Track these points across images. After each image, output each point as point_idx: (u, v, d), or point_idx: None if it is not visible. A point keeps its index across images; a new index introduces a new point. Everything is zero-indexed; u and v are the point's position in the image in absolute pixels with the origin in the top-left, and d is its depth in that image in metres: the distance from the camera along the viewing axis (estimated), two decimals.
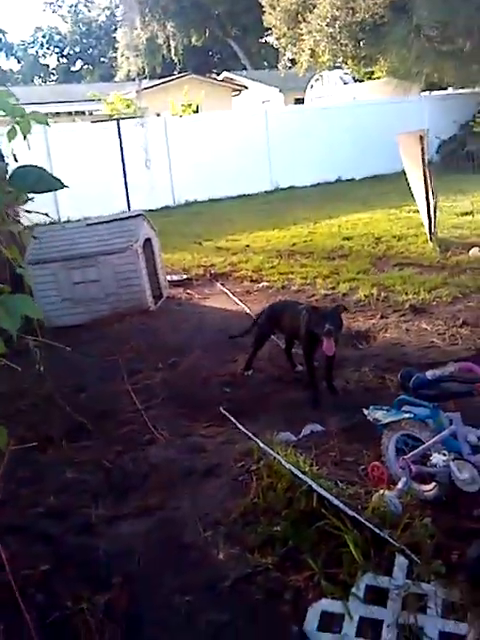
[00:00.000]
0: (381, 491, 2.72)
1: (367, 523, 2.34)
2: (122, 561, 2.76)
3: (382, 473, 2.96)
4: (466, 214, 10.24)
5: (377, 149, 16.71)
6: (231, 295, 6.92)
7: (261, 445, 2.80)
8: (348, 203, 13.11)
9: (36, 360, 4.19)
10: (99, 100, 18.27)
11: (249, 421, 4.09)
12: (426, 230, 8.27)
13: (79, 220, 13.63)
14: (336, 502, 2.29)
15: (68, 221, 14.20)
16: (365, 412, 3.08)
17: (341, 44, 17.52)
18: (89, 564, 2.75)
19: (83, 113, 26.62)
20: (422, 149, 7.34)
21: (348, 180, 17.56)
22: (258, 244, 9.84)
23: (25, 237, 6.91)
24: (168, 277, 7.62)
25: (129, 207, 14.26)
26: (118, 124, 12.80)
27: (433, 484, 2.76)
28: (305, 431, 3.64)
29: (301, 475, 2.44)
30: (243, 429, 2.91)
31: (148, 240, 6.54)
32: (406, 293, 6.20)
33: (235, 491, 3.15)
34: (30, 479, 3.49)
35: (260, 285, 7.24)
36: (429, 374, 2.42)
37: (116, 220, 6.49)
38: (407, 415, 2.87)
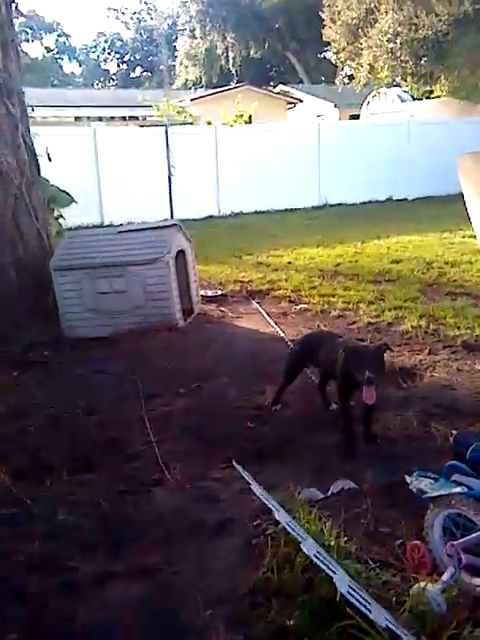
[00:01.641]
0: (422, 583, 2.21)
1: (401, 635, 1.84)
2: (103, 638, 2.31)
3: (423, 556, 2.44)
4: None
5: (433, 169, 16.11)
6: (266, 316, 6.45)
7: (274, 509, 2.31)
8: (398, 224, 12.54)
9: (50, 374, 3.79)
10: (150, 106, 18.10)
11: (271, 467, 3.62)
12: None
13: (121, 225, 13.47)
14: (360, 606, 1.80)
15: (111, 225, 14.02)
16: (407, 479, 2.57)
17: (401, 61, 17.02)
18: (65, 639, 2.31)
19: (137, 118, 26.63)
20: None
21: (400, 200, 16.96)
22: (300, 262, 9.36)
23: (54, 243, 6.64)
24: (202, 292, 7.21)
25: (172, 214, 13.97)
26: (166, 130, 12.54)
27: None
28: (334, 488, 3.13)
29: (316, 560, 1.94)
30: (255, 489, 2.42)
31: (181, 252, 6.14)
32: (458, 327, 5.63)
33: (246, 558, 2.67)
34: (17, 518, 3.09)
35: (298, 307, 6.75)
36: None
37: (149, 229, 6.11)
38: (459, 489, 2.35)
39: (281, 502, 2.83)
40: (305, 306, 6.76)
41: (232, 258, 9.91)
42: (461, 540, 2.25)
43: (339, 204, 16.63)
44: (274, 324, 6.17)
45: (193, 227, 13.41)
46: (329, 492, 3.12)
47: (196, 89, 37.09)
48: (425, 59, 16.80)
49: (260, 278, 8.26)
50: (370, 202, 16.75)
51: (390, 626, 1.82)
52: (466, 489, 2.35)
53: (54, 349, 5.71)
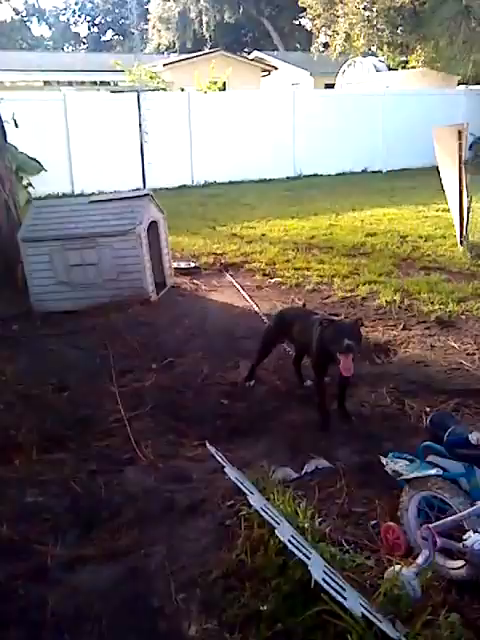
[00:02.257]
0: (396, 567, 2.19)
1: (376, 622, 1.82)
2: (75, 625, 2.26)
3: (398, 538, 2.43)
4: None
5: (408, 142, 16.02)
6: (241, 289, 6.38)
7: (247, 493, 2.26)
8: (373, 196, 12.48)
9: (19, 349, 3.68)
10: (122, 70, 17.60)
11: (245, 444, 3.59)
12: (457, 232, 7.66)
13: (92, 194, 13.17)
14: (335, 594, 1.77)
15: (82, 194, 13.71)
16: (382, 460, 2.54)
17: (377, 29, 16.77)
18: (35, 627, 2.25)
19: (108, 83, 25.95)
20: (460, 145, 6.71)
21: (375, 172, 16.86)
22: (275, 234, 9.26)
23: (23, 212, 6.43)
24: (175, 264, 7.09)
25: (144, 183, 13.77)
26: (138, 96, 12.27)
27: (463, 562, 2.23)
28: (308, 467, 3.11)
29: (291, 546, 1.91)
30: (228, 471, 2.38)
31: (154, 223, 6.00)
32: (432, 302, 5.62)
33: (219, 540, 2.64)
34: None
35: (272, 280, 6.68)
36: (474, 437, 1.89)
37: (120, 199, 5.95)
38: (435, 471, 2.33)
39: (255, 482, 2.80)
40: (279, 279, 6.69)
41: (206, 229, 9.76)
42: (436, 523, 2.24)
43: (314, 175, 16.44)
44: (248, 298, 6.10)
45: (166, 196, 13.15)
46: (303, 471, 3.10)
47: (169, 54, 36.21)
48: (401, 28, 16.56)
49: (234, 250, 8.14)
50: (345, 173, 16.62)
51: (365, 613, 1.79)
52: (441, 471, 2.33)
53: (24, 323, 5.57)
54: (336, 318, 3.99)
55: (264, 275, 6.96)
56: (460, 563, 2.23)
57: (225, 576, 2.39)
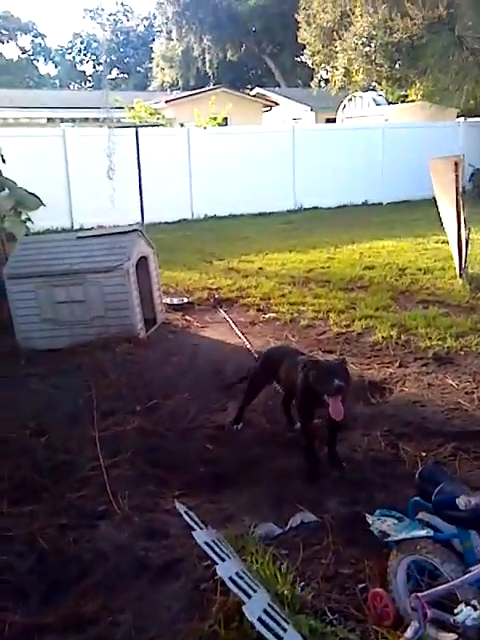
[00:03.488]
0: None
1: None
2: None
3: (386, 606, 2.20)
4: None
5: (407, 174, 15.97)
6: (233, 325, 6.20)
7: (216, 562, 2.05)
8: (373, 228, 12.37)
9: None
10: (121, 107, 17.73)
11: (230, 494, 3.37)
12: (456, 264, 7.49)
13: (91, 228, 13.12)
14: None
15: (81, 228, 13.68)
16: (368, 520, 2.32)
17: (376, 64, 16.87)
18: None
19: (111, 120, 26.19)
20: (456, 176, 6.59)
21: (375, 204, 16.79)
22: (272, 267, 9.12)
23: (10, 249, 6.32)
24: (168, 300, 6.94)
25: (143, 218, 13.67)
26: (137, 132, 12.26)
27: (456, 635, 2.00)
28: (293, 521, 2.89)
29: (259, 627, 1.69)
30: (197, 537, 2.16)
31: (143, 258, 5.86)
32: (430, 338, 5.42)
33: (192, 605, 2.41)
34: None
35: (267, 316, 6.51)
36: (462, 502, 1.69)
37: (109, 235, 5.82)
38: (424, 533, 2.11)
39: (234, 541, 2.59)
40: (274, 315, 6.52)
41: (202, 263, 9.63)
42: (426, 592, 2.01)
43: (314, 208, 16.40)
44: (241, 334, 5.92)
45: (165, 230, 13.15)
46: (288, 526, 2.87)
47: (172, 91, 36.74)
48: (399, 63, 16.66)
49: (229, 285, 7.99)
50: (345, 206, 16.56)
51: None
52: (432, 532, 2.11)
53: (7, 362, 5.39)
54: (321, 358, 3.79)
55: (258, 310, 6.80)
56: (454, 636, 2.00)
57: None
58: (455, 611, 1.88)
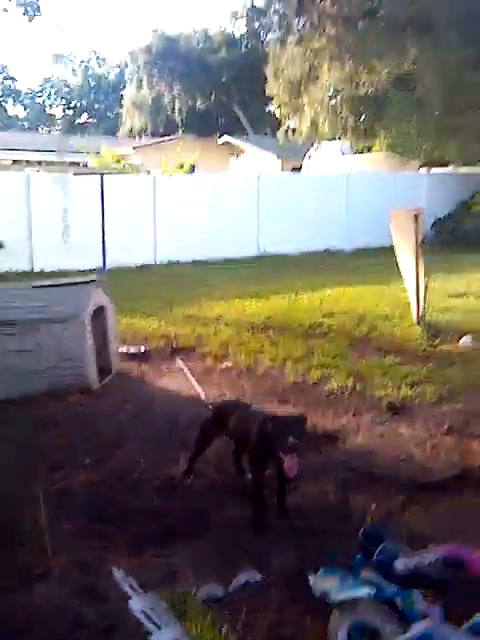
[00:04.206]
0: None
1: None
2: None
3: None
4: (459, 296, 9.65)
5: (370, 222, 16.34)
6: (189, 375, 6.15)
7: (152, 629, 1.97)
8: (334, 275, 12.55)
9: None
10: (87, 153, 17.93)
11: (177, 549, 3.28)
12: (414, 312, 7.62)
13: (52, 272, 13.06)
14: None
15: (42, 272, 13.62)
16: (310, 580, 2.28)
17: (342, 117, 17.38)
18: None
19: (78, 164, 26.43)
20: (416, 228, 6.75)
21: (337, 251, 17.10)
22: (232, 315, 9.13)
23: None
24: (124, 348, 6.88)
25: (105, 262, 13.72)
26: (102, 179, 12.35)
27: None
28: (237, 581, 2.81)
29: None
30: (133, 605, 2.09)
31: (100, 308, 5.82)
32: (385, 387, 5.46)
33: None
34: None
35: (223, 365, 6.48)
36: (400, 564, 1.66)
37: (65, 285, 5.79)
38: (365, 592, 2.07)
39: (176, 605, 2.51)
40: (230, 364, 6.49)
41: (162, 310, 9.57)
42: None
43: (278, 255, 16.62)
44: (196, 384, 5.87)
45: (127, 275, 13.16)
46: (231, 587, 2.80)
47: (141, 137, 37.27)
48: (365, 115, 17.21)
49: (188, 332, 7.95)
50: (308, 253, 16.80)
51: None
52: (373, 591, 2.07)
53: None
54: (279, 413, 3.77)
55: (215, 359, 6.76)
56: None
57: None
58: None
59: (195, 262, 15.41)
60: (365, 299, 9.88)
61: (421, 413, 4.91)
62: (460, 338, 6.79)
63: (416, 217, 6.86)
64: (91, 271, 11.07)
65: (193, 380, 5.95)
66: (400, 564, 1.73)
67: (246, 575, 2.84)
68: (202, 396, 5.51)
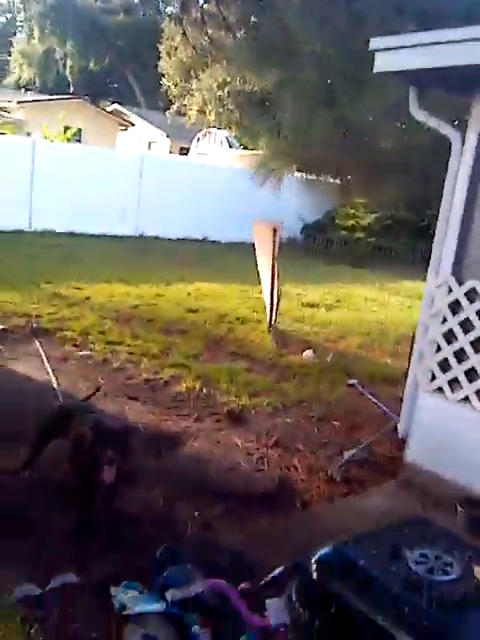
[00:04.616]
0: None
1: None
2: None
3: None
4: (312, 306, 10.29)
5: (245, 218, 16.76)
6: (45, 361, 6.19)
7: None
8: (206, 268, 12.86)
9: None
10: None
11: (4, 548, 3.41)
12: (267, 319, 8.09)
13: None
14: None
15: None
16: (112, 592, 2.54)
17: (228, 109, 17.59)
18: None
19: None
20: (274, 242, 7.17)
21: (213, 241, 17.47)
22: (100, 298, 9.18)
23: None
24: None
25: None
26: None
27: None
28: (55, 582, 3.01)
29: None
30: None
31: None
32: (229, 393, 5.83)
33: None
34: None
35: (81, 353, 6.58)
36: (170, 594, 1.94)
37: None
38: (157, 607, 2.36)
39: None
40: (88, 353, 6.61)
41: (29, 285, 9.40)
42: None
43: (156, 237, 16.69)
44: (51, 372, 5.93)
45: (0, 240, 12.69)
46: (48, 588, 2.99)
47: (27, 91, 35.44)
48: (249, 113, 17.52)
49: (52, 313, 7.94)
50: (186, 240, 17.03)
51: None
52: (164, 607, 2.36)
53: None
54: (108, 422, 3.96)
55: (74, 345, 6.84)
56: None
57: None
58: None
59: (71, 234, 15.12)
60: (229, 298, 10.27)
61: (256, 424, 5.32)
62: (304, 351, 7.33)
63: (274, 231, 7.28)
64: None
65: (48, 367, 6.00)
66: (170, 594, 2.00)
67: (63, 577, 3.04)
68: (55, 385, 5.58)
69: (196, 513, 3.84)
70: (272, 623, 1.88)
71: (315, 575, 1.61)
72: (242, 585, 2.02)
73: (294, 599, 1.62)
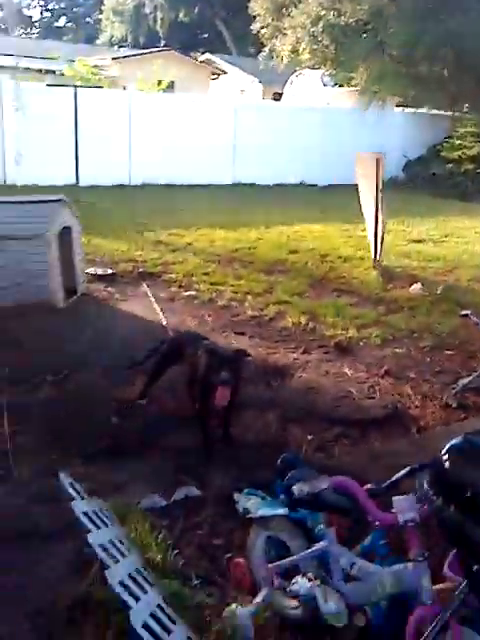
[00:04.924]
0: (233, 606, 2.26)
1: None
2: None
3: (244, 574, 2.50)
4: (418, 242, 9.94)
5: (345, 158, 16.29)
6: (153, 301, 6.37)
7: (90, 529, 2.27)
8: (304, 211, 12.68)
9: None
10: (64, 61, 17.31)
11: (126, 466, 3.60)
12: (372, 255, 7.89)
13: (24, 186, 12.89)
14: (145, 634, 1.81)
15: (14, 185, 13.41)
16: (235, 497, 2.61)
17: (323, 45, 16.94)
18: None
19: (54, 72, 25.42)
20: (377, 173, 6.92)
21: (311, 185, 17.14)
22: (201, 244, 9.30)
23: None
24: (91, 269, 7.03)
25: (78, 178, 13.62)
26: (75, 91, 12.07)
27: (298, 602, 2.31)
28: (178, 494, 3.15)
29: (119, 590, 1.94)
30: (75, 507, 2.37)
31: (67, 228, 5.93)
32: (335, 327, 5.78)
33: (75, 567, 2.64)
34: None
35: (187, 293, 6.71)
36: (296, 489, 1.96)
37: (31, 202, 5.85)
38: (280, 512, 2.40)
39: (118, 512, 2.82)
40: (194, 293, 6.73)
41: (132, 233, 9.68)
42: (275, 563, 2.32)
43: (252, 184, 16.60)
44: (159, 310, 6.10)
45: (100, 195, 13.06)
46: (172, 499, 3.14)
47: (120, 48, 35.80)
48: (344, 47, 16.80)
49: (155, 258, 8.13)
50: (282, 185, 16.81)
51: None
52: (288, 511, 2.40)
53: None
54: (220, 347, 4.03)
55: (180, 287, 6.99)
56: (296, 604, 2.31)
57: (71, 608, 2.40)
58: (292, 582, 2.18)
59: (169, 186, 15.31)
60: (330, 238, 10.10)
61: (365, 354, 5.25)
62: (412, 285, 7.11)
63: (377, 161, 7.01)
64: (63, 187, 11.03)
65: (157, 306, 6.18)
66: (296, 489, 2.02)
67: (186, 490, 3.17)
68: (164, 323, 5.75)
69: (309, 436, 3.87)
70: (400, 520, 1.87)
71: (448, 465, 1.57)
72: (367, 485, 2.01)
73: (427, 488, 1.59)
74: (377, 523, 2.03)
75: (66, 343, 5.17)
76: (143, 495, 3.13)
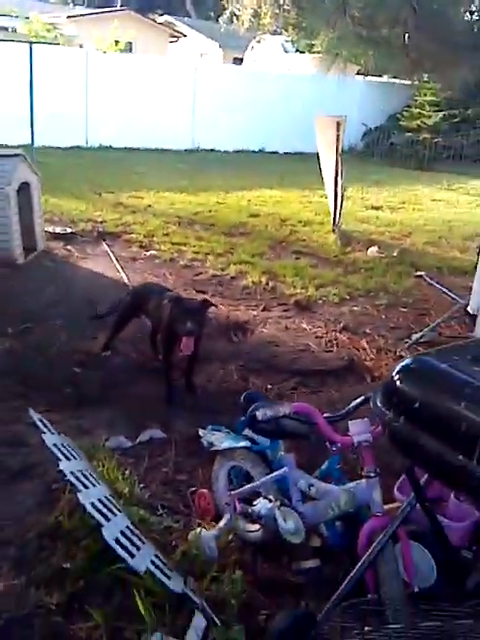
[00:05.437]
0: (198, 529, 2.39)
1: (160, 577, 1.99)
2: None
3: (208, 503, 2.63)
4: (375, 208, 10.12)
5: (304, 126, 16.32)
6: (114, 259, 6.39)
7: (60, 459, 2.36)
8: (264, 177, 12.72)
9: None
10: (17, 17, 16.77)
11: (91, 413, 3.68)
12: (331, 219, 8.03)
13: None
14: (122, 553, 1.92)
15: None
16: (200, 433, 2.73)
17: (284, 9, 16.83)
18: None
19: (6, 29, 24.57)
20: (337, 136, 7.01)
21: (271, 152, 17.16)
22: (161, 206, 9.28)
23: None
24: (50, 228, 6.97)
25: (33, 140, 13.24)
26: (30, 49, 11.72)
27: (259, 526, 2.45)
28: (143, 436, 3.26)
29: (90, 509, 2.04)
30: (46, 439, 2.46)
31: (26, 184, 5.87)
32: (295, 286, 5.91)
33: (43, 502, 2.73)
34: None
35: (148, 253, 6.74)
36: (260, 413, 2.08)
37: None
38: (243, 444, 2.54)
39: (85, 450, 2.91)
40: (155, 253, 6.76)
41: (91, 194, 9.59)
42: (237, 490, 2.45)
43: (212, 150, 16.52)
44: (120, 269, 6.13)
45: (57, 156, 12.82)
46: (137, 440, 3.24)
47: (75, 5, 34.69)
48: (306, 11, 16.73)
49: (115, 219, 8.10)
50: (242, 151, 16.79)
51: (150, 569, 1.96)
52: (249, 443, 2.54)
53: None
54: (185, 297, 4.12)
55: (141, 247, 7.00)
56: (257, 527, 2.46)
57: (40, 536, 2.50)
58: (253, 503, 2.32)
59: (127, 149, 15.12)
60: (290, 203, 10.20)
61: (323, 312, 5.41)
62: (369, 248, 7.28)
63: (338, 124, 7.09)
64: (17, 148, 10.78)
65: (117, 264, 6.19)
66: (259, 413, 2.14)
67: (151, 432, 3.28)
68: (125, 280, 5.78)
69: (270, 385, 4.01)
70: (355, 441, 2.01)
71: (398, 383, 1.70)
72: (326, 414, 2.14)
73: (379, 406, 1.72)
74: (334, 447, 2.17)
75: (26, 297, 5.16)
76: (107, 437, 3.22)
